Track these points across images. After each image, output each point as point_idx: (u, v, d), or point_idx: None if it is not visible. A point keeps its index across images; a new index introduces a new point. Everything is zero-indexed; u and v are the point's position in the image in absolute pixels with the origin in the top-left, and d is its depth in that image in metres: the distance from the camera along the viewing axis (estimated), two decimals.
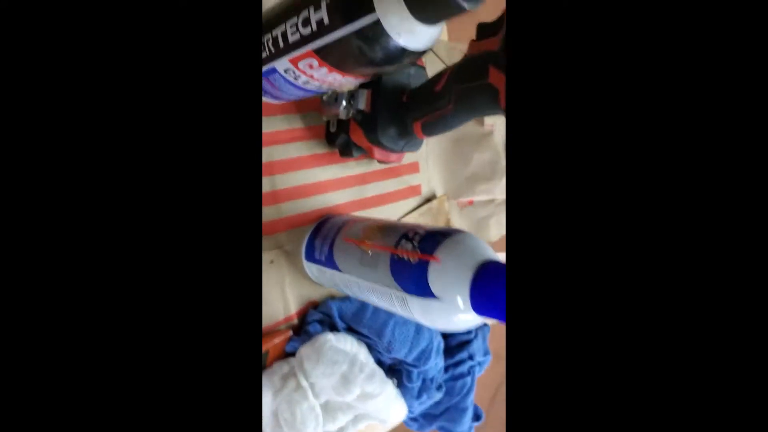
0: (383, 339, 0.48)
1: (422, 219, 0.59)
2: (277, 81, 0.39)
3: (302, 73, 0.36)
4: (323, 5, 0.30)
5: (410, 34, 0.29)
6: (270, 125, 0.46)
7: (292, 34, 0.34)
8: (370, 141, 0.46)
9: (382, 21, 0.28)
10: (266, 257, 0.47)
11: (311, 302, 0.51)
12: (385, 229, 0.41)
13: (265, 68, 0.39)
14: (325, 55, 0.33)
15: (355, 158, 0.51)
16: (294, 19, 0.33)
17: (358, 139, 0.47)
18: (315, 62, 0.34)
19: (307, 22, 0.32)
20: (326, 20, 0.30)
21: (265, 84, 0.41)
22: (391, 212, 0.57)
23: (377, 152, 0.47)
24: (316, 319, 0.49)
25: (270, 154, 0.46)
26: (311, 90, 0.39)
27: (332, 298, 0.51)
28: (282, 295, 0.48)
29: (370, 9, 0.28)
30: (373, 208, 0.55)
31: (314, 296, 0.51)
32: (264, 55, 0.38)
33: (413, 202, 0.59)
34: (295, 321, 0.49)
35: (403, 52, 0.30)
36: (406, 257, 0.36)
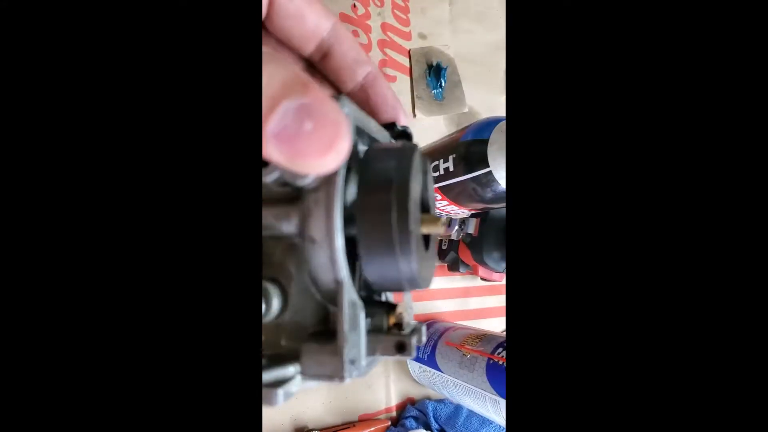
0: None
1: None
2: None
3: None
4: (450, 158, 0.41)
5: None
6: None
7: None
8: (476, 260, 0.54)
9: (493, 172, 0.38)
10: None
11: (409, 399, 0.56)
12: (485, 337, 0.47)
13: None
14: (447, 192, 0.43)
15: (461, 273, 0.59)
16: None
17: (466, 258, 0.56)
18: (438, 196, 0.44)
19: (436, 168, 0.43)
20: (451, 168, 0.41)
21: None
22: (489, 327, 0.62)
23: (481, 271, 0.55)
24: (413, 415, 0.54)
25: None
26: None
27: (429, 398, 0.56)
28: (386, 387, 0.55)
29: (486, 165, 0.38)
30: (474, 320, 0.61)
31: (413, 393, 0.56)
32: None
33: None
34: (394, 413, 0.55)
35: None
36: (501, 363, 0.42)
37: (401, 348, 0.16)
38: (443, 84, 0.61)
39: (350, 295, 0.15)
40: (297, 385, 0.15)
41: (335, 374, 0.14)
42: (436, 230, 0.17)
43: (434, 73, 0.61)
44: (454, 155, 0.41)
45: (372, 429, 0.52)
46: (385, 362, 0.55)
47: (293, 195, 0.15)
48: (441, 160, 0.42)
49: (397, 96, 0.21)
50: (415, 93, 0.60)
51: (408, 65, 0.60)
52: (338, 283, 0.15)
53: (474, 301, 0.61)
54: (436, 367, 0.50)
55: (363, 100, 0.21)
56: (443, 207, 0.46)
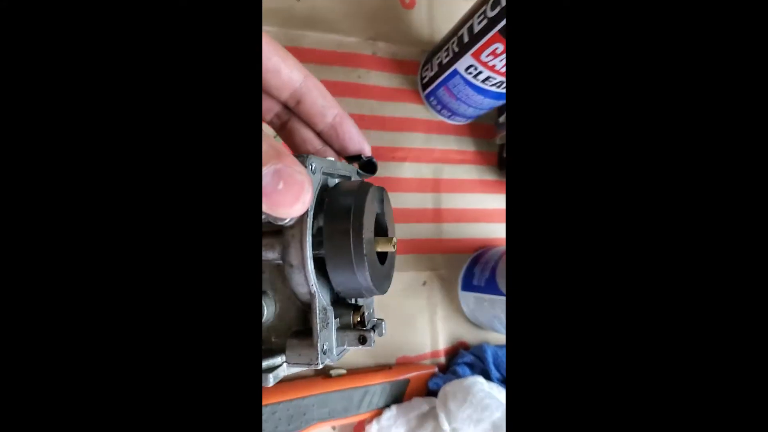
0: None
1: None
2: (456, 86, 0.39)
3: (483, 66, 0.35)
4: None
5: None
6: (442, 143, 0.45)
7: (479, 23, 0.34)
8: None
9: None
10: (420, 277, 0.43)
11: (462, 343, 0.44)
12: None
13: (445, 74, 0.39)
14: None
15: None
16: (483, 8, 0.33)
17: None
18: (500, 46, 0.33)
19: (497, 3, 0.32)
20: None
21: (443, 94, 0.42)
22: None
23: None
24: (467, 361, 0.42)
25: (439, 170, 0.45)
26: (489, 92, 0.38)
27: (487, 343, 0.44)
28: (431, 325, 0.43)
29: None
30: None
31: (467, 338, 0.44)
32: (447, 59, 0.39)
33: None
34: (443, 359, 0.43)
35: None
36: None
37: (363, 340, 0.20)
38: None
39: (321, 302, 0.19)
40: (284, 371, 0.19)
41: (312, 361, 0.19)
42: (389, 249, 0.21)
43: None
44: None
45: (413, 374, 0.40)
46: (429, 297, 0.44)
47: (276, 229, 0.19)
48: None
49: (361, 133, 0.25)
50: None
51: None
52: (312, 295, 0.19)
53: None
54: (497, 291, 0.38)
55: (333, 137, 0.24)
56: (501, 67, 0.34)
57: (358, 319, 0.21)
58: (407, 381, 0.40)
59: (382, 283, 0.21)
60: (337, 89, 0.42)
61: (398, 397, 0.40)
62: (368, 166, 0.25)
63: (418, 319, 0.43)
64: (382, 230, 0.23)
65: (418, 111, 0.45)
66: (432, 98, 0.44)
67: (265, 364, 0.19)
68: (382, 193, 0.22)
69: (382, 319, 0.22)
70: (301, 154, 0.19)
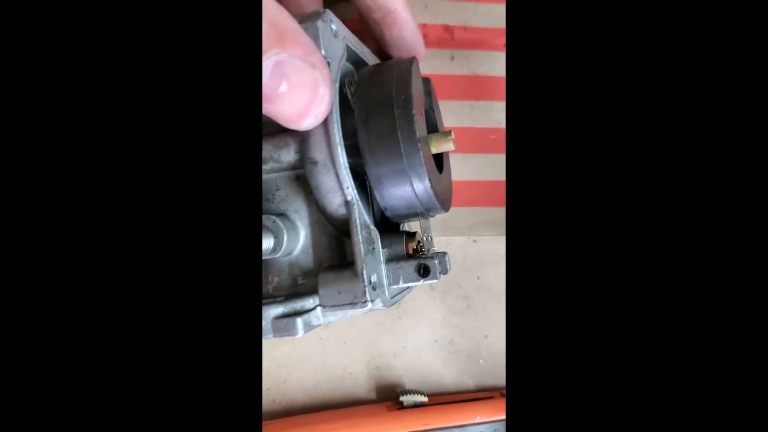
0: None
1: None
2: None
3: None
4: None
5: None
6: None
7: None
8: None
9: None
10: None
11: None
12: None
13: None
14: None
15: None
16: None
17: None
18: None
19: None
20: None
21: None
22: None
23: None
24: None
25: None
26: None
27: None
28: None
29: None
30: None
31: None
32: None
33: None
34: None
35: None
36: None
37: (425, 271, 0.16)
38: None
39: (362, 217, 0.15)
40: (318, 317, 0.15)
41: (357, 299, 0.14)
42: (447, 147, 0.16)
43: None
44: None
45: None
46: None
47: None
48: None
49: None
50: None
51: None
52: (348, 204, 0.15)
53: None
54: None
55: (375, 21, 0.20)
56: None
57: (414, 248, 0.17)
58: None
59: (443, 195, 0.17)
60: None
61: None
62: None
63: None
64: (432, 130, 0.19)
65: None
66: None
67: (291, 307, 0.15)
68: (429, 84, 0.19)
69: (444, 253, 0.17)
70: (306, 15, 0.15)
